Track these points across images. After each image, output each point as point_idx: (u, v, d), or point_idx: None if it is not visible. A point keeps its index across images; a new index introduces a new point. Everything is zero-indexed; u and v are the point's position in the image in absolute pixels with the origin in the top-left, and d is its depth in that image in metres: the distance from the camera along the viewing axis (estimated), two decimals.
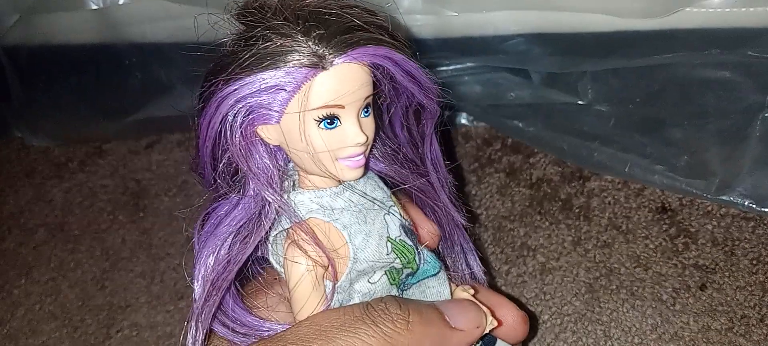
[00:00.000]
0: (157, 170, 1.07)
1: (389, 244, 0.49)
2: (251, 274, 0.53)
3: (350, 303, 0.49)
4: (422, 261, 0.52)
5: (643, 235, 0.82)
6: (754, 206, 0.78)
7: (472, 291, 0.55)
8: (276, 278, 0.52)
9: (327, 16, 0.43)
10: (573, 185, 0.90)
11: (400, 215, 0.51)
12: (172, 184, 1.04)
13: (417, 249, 0.51)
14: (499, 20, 0.75)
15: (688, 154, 0.81)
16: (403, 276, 0.51)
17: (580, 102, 0.85)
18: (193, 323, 0.48)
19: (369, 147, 0.47)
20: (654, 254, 0.80)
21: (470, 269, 0.61)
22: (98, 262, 0.95)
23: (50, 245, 0.99)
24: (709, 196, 0.80)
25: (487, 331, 0.52)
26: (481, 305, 0.52)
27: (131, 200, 1.03)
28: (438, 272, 0.54)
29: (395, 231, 0.50)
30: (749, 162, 0.77)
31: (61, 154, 1.13)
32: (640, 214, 0.85)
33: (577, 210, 0.87)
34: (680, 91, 0.80)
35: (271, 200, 0.46)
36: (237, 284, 0.50)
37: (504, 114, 0.90)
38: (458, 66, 0.84)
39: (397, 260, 0.50)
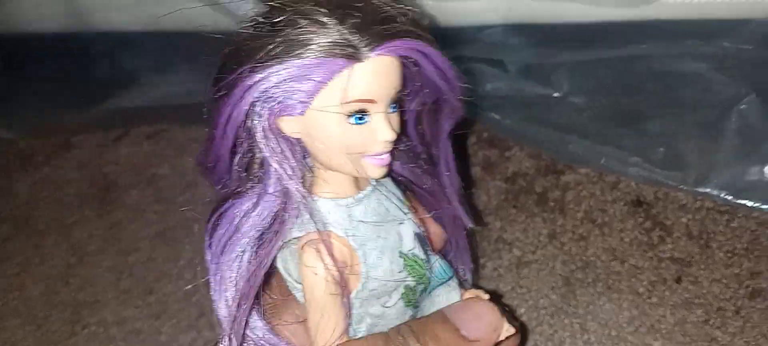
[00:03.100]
0: (126, 164, 1.04)
1: (401, 259, 0.47)
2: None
3: (362, 323, 0.47)
4: (433, 274, 0.50)
5: (618, 228, 0.82)
6: (730, 197, 0.78)
7: (486, 296, 0.52)
8: (289, 297, 0.49)
9: (363, 5, 0.40)
10: (548, 178, 0.89)
11: (414, 223, 0.49)
12: (141, 177, 1.01)
13: (429, 261, 0.49)
14: (475, 9, 0.74)
15: (664, 146, 0.81)
16: (418, 295, 0.49)
17: (555, 94, 0.84)
18: (227, 340, 0.44)
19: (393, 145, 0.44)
20: (630, 247, 0.80)
21: (462, 273, 0.60)
22: (65, 257, 0.93)
23: (15, 240, 0.97)
24: (685, 187, 0.80)
25: (503, 337, 0.49)
26: (495, 307, 0.49)
27: (99, 194, 1.01)
28: (448, 280, 0.52)
29: (409, 243, 0.47)
30: (726, 154, 0.77)
31: (27, 147, 1.10)
32: (616, 207, 0.84)
33: (552, 204, 0.86)
34: (657, 84, 0.80)
35: (295, 195, 0.43)
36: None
37: (480, 106, 0.89)
38: None
39: (410, 278, 0.47)
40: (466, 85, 0.47)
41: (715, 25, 0.69)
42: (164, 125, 1.08)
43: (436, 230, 0.54)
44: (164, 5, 0.86)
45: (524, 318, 0.77)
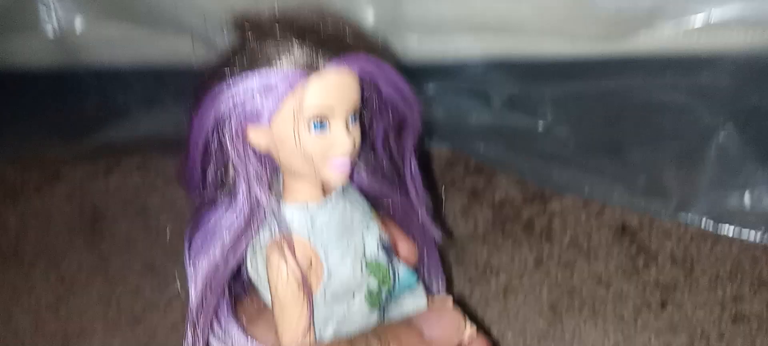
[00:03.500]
0: (115, 194, 1.04)
1: (364, 262, 0.49)
2: (237, 295, 0.52)
3: (328, 325, 0.49)
4: (398, 279, 0.52)
5: (604, 254, 0.83)
6: (711, 224, 0.80)
7: (450, 300, 0.55)
8: (264, 308, 0.51)
9: (321, 27, 0.45)
10: (535, 205, 0.90)
11: (379, 230, 0.51)
12: (130, 208, 1.02)
13: (392, 267, 0.52)
14: (458, 44, 0.76)
15: (646, 174, 0.82)
16: (383, 298, 0.51)
17: (540, 125, 0.86)
18: (190, 329, 0.47)
19: (356, 154, 0.48)
20: (615, 273, 0.81)
21: (435, 287, 0.62)
22: (53, 287, 0.93)
23: (3, 271, 0.96)
24: (667, 214, 0.81)
25: (465, 338, 0.52)
26: (458, 308, 0.53)
27: (88, 225, 1.01)
28: (414, 286, 0.54)
29: (372, 249, 0.50)
30: (706, 182, 0.79)
31: (16, 178, 1.10)
32: (601, 233, 0.86)
33: (539, 230, 0.88)
34: (638, 114, 0.82)
35: (262, 201, 0.46)
36: (228, 296, 0.50)
37: (466, 137, 0.91)
38: (419, 90, 0.85)
39: (372, 279, 0.50)
40: (422, 104, 0.51)
41: (691, 59, 0.70)
42: (154, 156, 1.08)
43: (409, 245, 0.57)
44: (153, 41, 0.88)
45: (511, 344, 0.77)
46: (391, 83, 0.48)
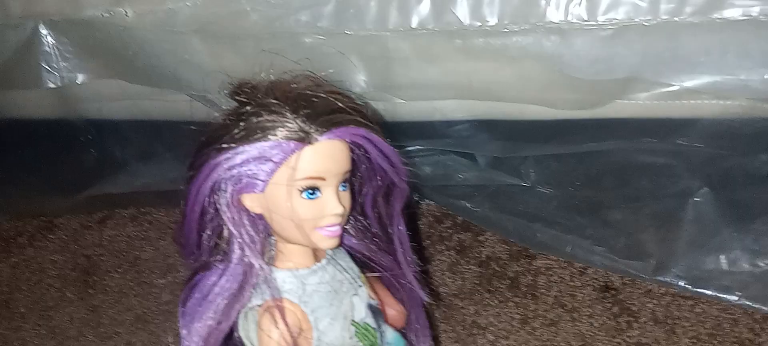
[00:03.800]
0: (109, 246, 1.06)
1: (353, 327, 0.51)
2: None
3: None
4: (385, 343, 0.54)
5: (587, 313, 0.85)
6: (689, 286, 0.81)
7: None
8: None
9: (314, 98, 0.48)
10: (521, 262, 0.92)
11: (368, 295, 0.54)
12: (124, 260, 1.03)
13: (380, 331, 0.54)
14: (445, 107, 0.79)
15: (625, 235, 0.84)
16: None
17: (524, 184, 0.88)
18: None
19: (345, 219, 0.50)
20: (598, 333, 0.82)
21: None
22: (44, 341, 0.93)
23: None
24: (646, 276, 0.83)
25: None
26: None
27: (81, 277, 1.02)
28: None
29: (361, 313, 0.52)
30: (683, 244, 0.81)
31: (10, 228, 1.12)
32: (585, 292, 0.87)
33: (524, 288, 0.89)
34: (617, 176, 0.84)
35: (256, 266, 0.48)
36: None
37: (452, 194, 0.93)
38: (407, 148, 0.87)
39: (361, 344, 0.52)
40: (410, 168, 0.53)
41: (668, 124, 0.73)
42: (148, 208, 1.10)
43: (398, 309, 0.59)
44: (149, 96, 0.91)
45: None
46: (380, 151, 0.50)
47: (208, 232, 0.50)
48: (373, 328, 0.53)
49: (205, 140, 0.49)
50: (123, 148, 1.00)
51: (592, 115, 0.74)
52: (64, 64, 0.90)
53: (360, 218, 0.56)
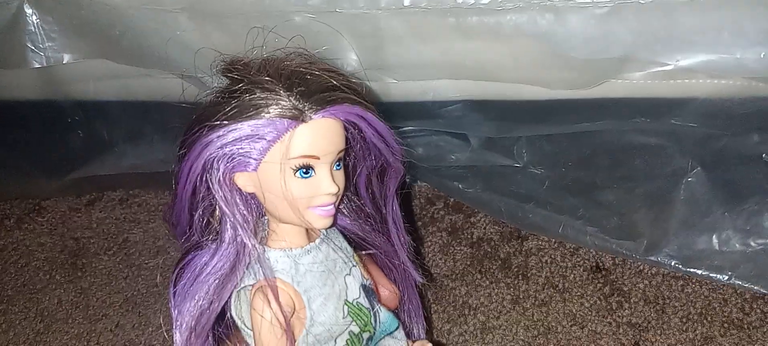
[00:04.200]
0: (98, 228, 1.05)
1: (346, 307, 0.51)
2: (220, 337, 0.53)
3: None
4: (378, 323, 0.54)
5: (578, 293, 0.85)
6: (680, 266, 0.82)
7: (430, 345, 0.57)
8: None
9: (307, 76, 0.47)
10: (512, 243, 0.92)
11: (362, 275, 0.53)
12: (113, 242, 1.02)
13: (373, 311, 0.53)
14: (437, 87, 0.78)
15: (618, 216, 0.84)
16: (364, 343, 0.53)
17: (516, 165, 0.88)
18: None
19: (339, 199, 0.50)
20: (589, 313, 0.83)
21: (415, 329, 0.63)
22: (32, 323, 0.92)
23: None
24: (638, 256, 0.83)
25: None
26: None
27: (69, 259, 1.01)
28: (395, 331, 0.56)
29: (354, 293, 0.52)
30: (675, 224, 0.81)
31: None
32: (576, 273, 0.87)
33: (515, 269, 0.89)
34: (610, 156, 0.84)
35: (248, 245, 0.48)
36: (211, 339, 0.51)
37: (445, 175, 0.93)
38: (400, 129, 0.86)
39: (354, 324, 0.51)
40: (405, 148, 0.54)
41: (661, 103, 0.73)
42: (136, 190, 1.09)
43: (392, 289, 0.59)
44: (136, 76, 0.89)
45: None
46: (375, 130, 0.50)
47: (200, 211, 0.49)
48: (367, 308, 0.53)
49: (196, 118, 0.48)
50: (110, 130, 0.98)
51: (585, 95, 0.73)
52: (50, 43, 0.88)
53: (354, 198, 0.56)
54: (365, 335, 0.53)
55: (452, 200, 0.99)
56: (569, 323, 0.82)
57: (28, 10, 0.85)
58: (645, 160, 0.82)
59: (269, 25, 0.74)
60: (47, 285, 0.97)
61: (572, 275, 0.87)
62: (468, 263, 0.91)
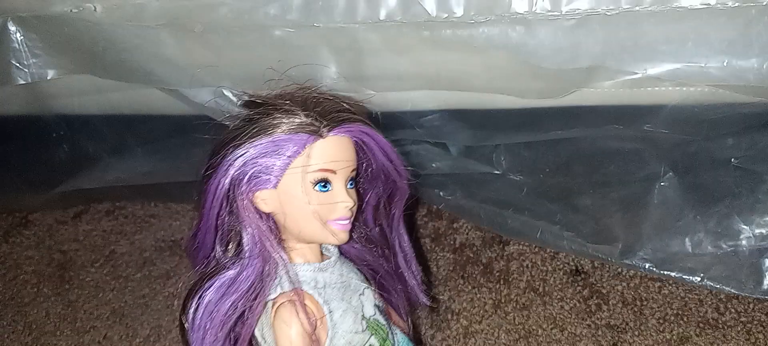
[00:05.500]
0: (85, 241, 1.06)
1: (364, 322, 0.54)
2: None
3: None
4: (396, 342, 0.57)
5: (558, 297, 0.87)
6: (654, 269, 0.84)
7: None
8: None
9: (322, 100, 0.52)
10: (494, 248, 0.94)
11: (374, 296, 0.56)
12: (100, 255, 1.03)
13: (390, 329, 0.56)
14: (415, 98, 0.80)
15: (594, 220, 0.86)
16: None
17: (495, 172, 0.90)
18: None
19: (354, 214, 0.53)
20: (569, 316, 0.84)
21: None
22: (20, 336, 0.93)
23: None
24: (613, 259, 0.85)
25: None
26: None
27: (56, 272, 1.02)
28: None
29: (369, 310, 0.55)
30: (649, 227, 0.83)
31: None
32: (556, 276, 0.89)
33: (497, 274, 0.91)
34: (585, 162, 0.86)
35: (274, 256, 0.51)
36: None
37: (426, 183, 0.94)
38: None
39: (374, 338, 0.54)
40: (409, 166, 0.57)
41: (634, 111, 0.75)
42: (123, 202, 1.10)
43: (401, 326, 0.62)
44: (119, 90, 0.90)
45: None
46: (382, 149, 0.54)
47: (223, 230, 0.52)
48: (383, 324, 0.56)
49: (221, 141, 0.52)
50: (95, 143, 0.99)
51: (559, 103, 0.75)
52: (34, 60, 0.88)
53: (362, 226, 0.59)
54: None
55: (435, 206, 1.00)
56: (549, 326, 0.83)
57: (12, 28, 0.86)
58: (619, 165, 0.84)
59: (249, 40, 0.76)
60: (35, 298, 0.98)
61: (552, 279, 0.89)
62: (451, 268, 0.93)
